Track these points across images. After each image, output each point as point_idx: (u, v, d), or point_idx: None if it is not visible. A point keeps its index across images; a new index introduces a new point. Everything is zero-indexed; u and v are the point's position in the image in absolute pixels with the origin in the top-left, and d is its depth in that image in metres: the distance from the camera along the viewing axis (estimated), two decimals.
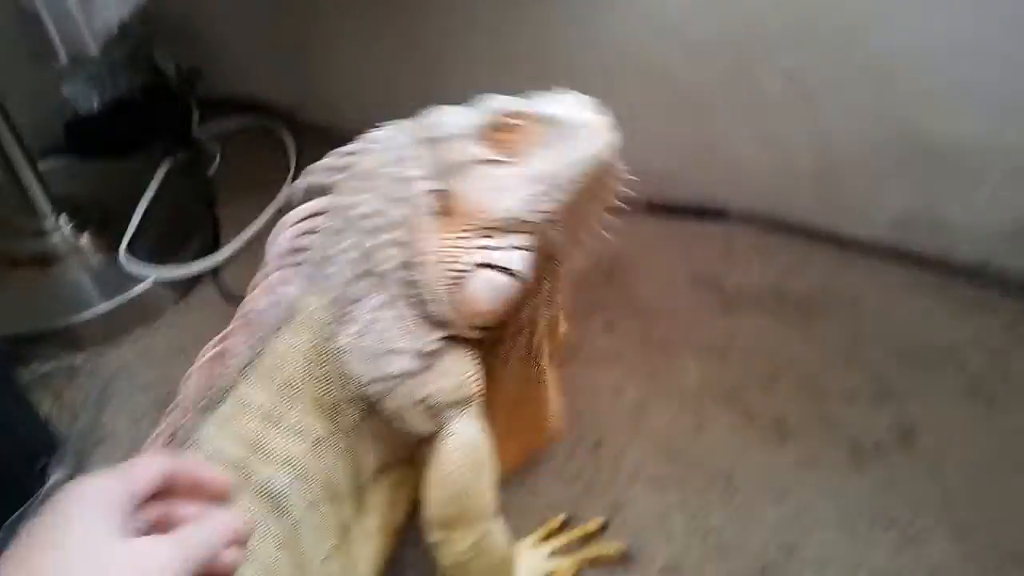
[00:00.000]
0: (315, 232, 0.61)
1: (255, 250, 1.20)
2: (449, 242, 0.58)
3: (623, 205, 0.63)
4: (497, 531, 0.67)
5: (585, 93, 1.14)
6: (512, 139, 0.58)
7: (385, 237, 0.58)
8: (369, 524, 0.64)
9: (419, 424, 0.60)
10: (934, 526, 0.80)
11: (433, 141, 0.59)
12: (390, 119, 1.28)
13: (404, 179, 0.59)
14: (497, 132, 0.58)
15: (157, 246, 1.13)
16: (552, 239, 0.60)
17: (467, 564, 0.64)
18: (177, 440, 0.59)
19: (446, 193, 0.58)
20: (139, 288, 1.07)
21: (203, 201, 1.25)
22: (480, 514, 0.64)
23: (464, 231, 0.58)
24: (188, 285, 1.14)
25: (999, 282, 1.05)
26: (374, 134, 0.62)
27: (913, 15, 0.91)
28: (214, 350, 0.63)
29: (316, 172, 0.63)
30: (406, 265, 0.58)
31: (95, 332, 1.05)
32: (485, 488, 0.64)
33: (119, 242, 1.12)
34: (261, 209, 1.26)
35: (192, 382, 0.62)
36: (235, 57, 1.45)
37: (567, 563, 0.77)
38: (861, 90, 0.98)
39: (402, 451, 0.64)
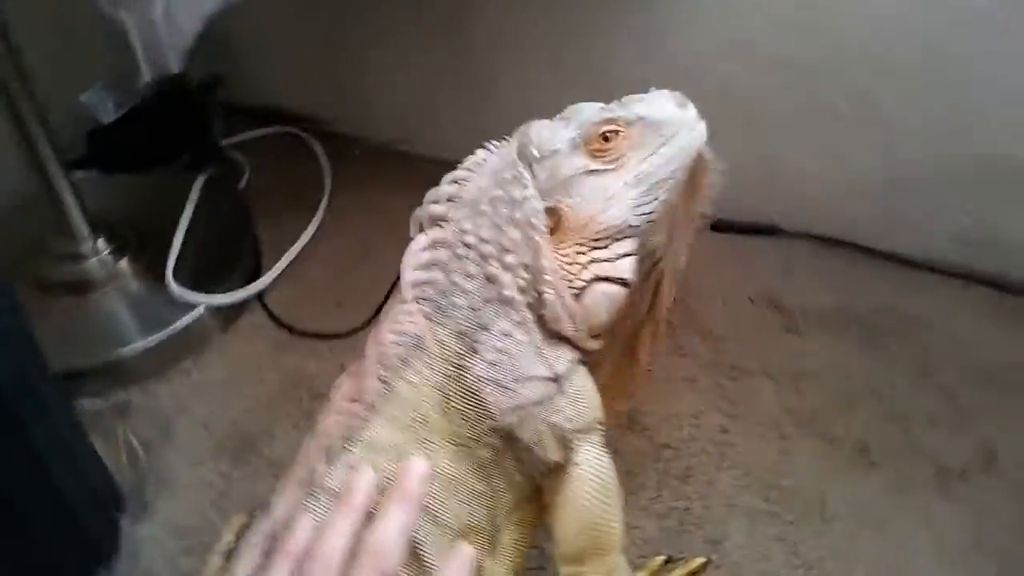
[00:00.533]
0: (436, 263, 0.59)
1: (299, 271, 1.17)
2: (565, 258, 0.57)
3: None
4: (623, 564, 0.65)
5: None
6: (609, 146, 0.57)
7: (506, 260, 0.57)
8: (500, 569, 0.61)
9: (552, 452, 0.58)
10: None
11: (536, 159, 0.58)
12: (429, 132, 1.26)
13: (513, 201, 0.57)
14: (594, 141, 0.57)
15: (201, 271, 1.08)
16: (654, 240, 0.60)
17: None
18: (306, 492, 0.56)
19: (555, 209, 0.57)
20: (188, 317, 1.02)
21: (242, 219, 1.20)
22: (611, 545, 0.62)
23: (577, 245, 0.57)
24: (234, 311, 1.09)
25: None
26: (476, 157, 0.60)
27: (993, 46, 0.91)
28: (340, 393, 0.60)
29: (428, 201, 0.60)
30: (529, 286, 0.57)
31: (143, 366, 1.00)
32: (615, 517, 0.62)
33: (158, 266, 1.07)
34: (300, 225, 1.23)
35: (322, 427, 0.59)
36: (261, 64, 1.41)
37: None
38: (936, 114, 0.98)
39: (531, 486, 0.62)
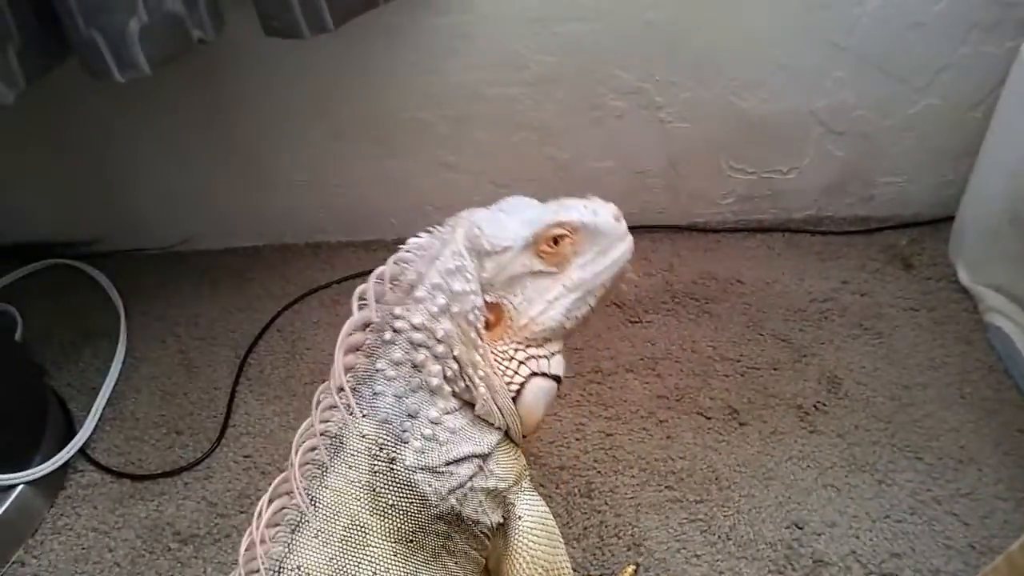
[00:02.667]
0: (360, 347, 0.56)
1: (120, 410, 1.05)
2: (502, 354, 0.58)
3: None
4: None
5: (434, 142, 1.13)
6: (556, 249, 0.58)
7: (436, 350, 0.56)
8: None
9: (492, 517, 0.58)
10: (894, 456, 0.90)
11: (486, 253, 0.57)
12: (209, 225, 1.17)
13: (453, 292, 0.56)
14: (544, 243, 0.58)
15: (1, 449, 0.93)
16: (572, 336, 0.62)
17: None
18: None
19: (498, 305, 0.58)
20: (7, 501, 0.88)
21: (29, 375, 1.05)
22: None
23: (515, 343, 0.58)
24: (57, 479, 0.95)
25: (835, 230, 1.20)
26: (419, 241, 0.59)
27: (725, 14, 1.01)
28: (261, 516, 0.55)
29: (367, 282, 0.57)
30: (456, 376, 0.57)
31: None
32: (564, 556, 0.63)
33: None
34: (104, 361, 1.10)
35: (241, 564, 0.54)
36: (1, 200, 1.24)
37: None
38: (698, 87, 1.07)
39: (477, 550, 0.60)
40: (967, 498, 0.85)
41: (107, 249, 1.27)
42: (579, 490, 0.90)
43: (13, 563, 0.88)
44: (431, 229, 0.59)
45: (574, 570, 0.80)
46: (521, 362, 0.58)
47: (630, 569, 0.81)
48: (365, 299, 0.57)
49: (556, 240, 0.58)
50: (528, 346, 0.58)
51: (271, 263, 1.24)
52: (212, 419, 1.02)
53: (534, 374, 0.58)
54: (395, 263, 0.58)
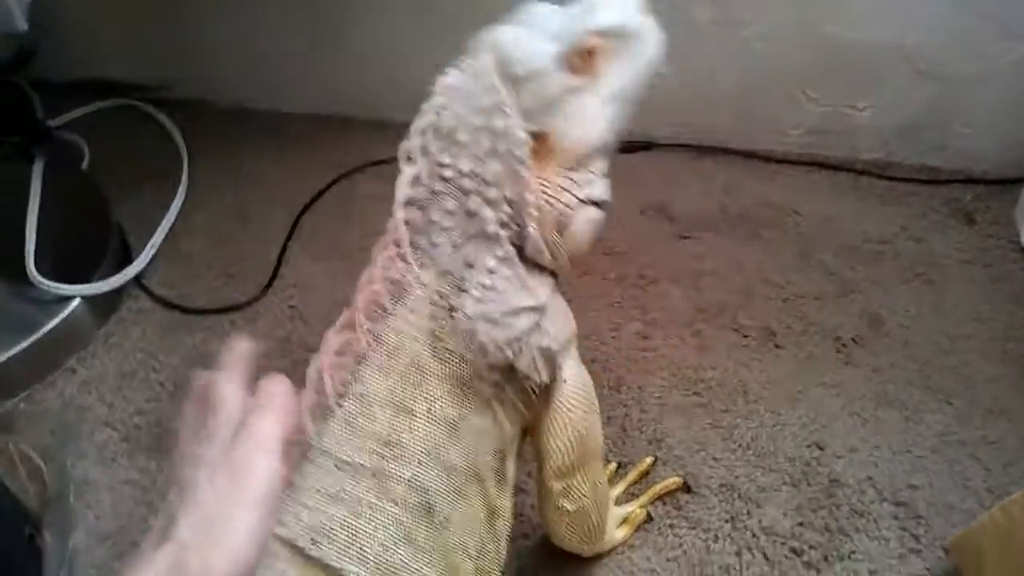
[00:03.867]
0: (413, 202, 0.56)
1: (175, 248, 1.08)
2: (547, 186, 0.56)
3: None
4: (603, 473, 0.68)
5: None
6: (589, 62, 0.55)
7: (488, 194, 0.54)
8: (506, 499, 0.61)
9: (545, 374, 0.59)
10: (926, 398, 0.90)
11: (519, 79, 0.54)
12: (282, 86, 1.17)
13: (495, 131, 0.54)
14: (577, 57, 0.55)
15: (64, 263, 0.97)
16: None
17: (587, 508, 0.66)
18: (301, 454, 0.53)
19: (541, 133, 0.55)
20: (63, 312, 0.92)
21: (95, 202, 1.08)
22: (596, 453, 0.65)
23: (560, 168, 0.56)
24: (112, 300, 1.00)
25: (899, 176, 1.18)
26: (451, 81, 0.56)
27: None
28: (327, 348, 0.57)
29: (408, 137, 0.56)
30: (511, 220, 0.55)
31: (21, 372, 0.90)
32: (598, 425, 0.64)
33: (16, 265, 0.95)
34: (164, 200, 1.13)
35: (310, 386, 0.56)
36: (83, 34, 1.26)
37: (636, 505, 0.79)
38: (783, 17, 1.04)
39: (530, 410, 0.61)
40: (992, 446, 0.85)
41: (178, 96, 1.29)
42: (608, 383, 0.92)
43: (65, 369, 0.93)
44: (458, 63, 0.56)
45: None
46: (568, 190, 0.56)
47: (648, 460, 0.83)
48: (411, 155, 0.56)
49: (589, 52, 0.55)
50: (575, 170, 0.56)
51: (335, 133, 1.25)
52: (262, 269, 1.04)
53: (582, 202, 0.56)
54: (433, 112, 0.55)
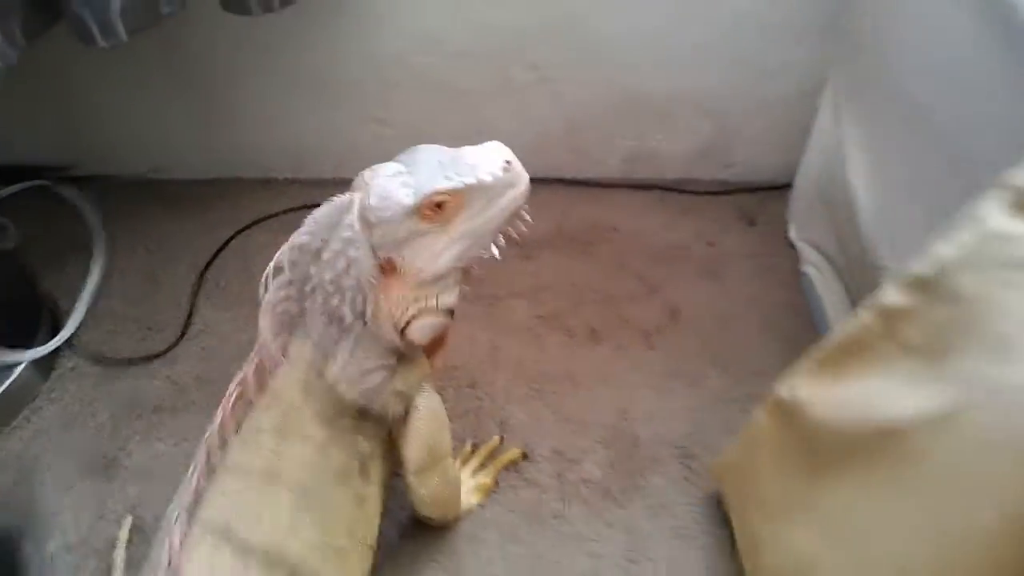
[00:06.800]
0: (288, 299, 0.76)
1: (100, 311, 1.28)
2: (397, 299, 0.74)
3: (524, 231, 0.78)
4: (453, 470, 0.92)
5: (367, 99, 1.33)
6: (440, 212, 0.70)
7: (346, 298, 0.72)
8: (373, 489, 0.85)
9: (397, 409, 0.82)
10: (707, 368, 1.18)
11: (374, 224, 0.70)
12: (174, 157, 1.41)
13: (349, 256, 0.70)
14: (426, 209, 0.69)
15: (6, 334, 1.16)
16: (471, 271, 0.77)
17: (439, 495, 0.90)
18: (211, 465, 0.76)
19: (390, 260, 0.72)
20: (13, 375, 1.12)
21: (25, 278, 1.26)
22: (444, 455, 0.89)
23: (408, 288, 0.74)
24: (49, 362, 1.19)
25: (697, 190, 1.46)
26: (323, 211, 0.72)
27: (622, 8, 1.24)
28: (235, 388, 0.78)
29: (281, 256, 0.75)
30: (361, 318, 0.74)
31: None
32: (447, 437, 0.88)
33: None
34: (82, 267, 1.32)
35: (219, 418, 0.77)
36: None
37: (486, 475, 1.04)
38: (589, 71, 1.31)
39: (384, 431, 0.85)
40: (755, 398, 1.13)
41: (85, 173, 1.48)
42: (466, 383, 1.16)
43: (21, 418, 1.12)
44: (333, 199, 0.71)
45: (453, 438, 1.08)
46: (410, 304, 0.74)
47: (496, 439, 1.08)
48: (282, 266, 0.74)
49: (439, 204, 0.69)
50: (419, 288, 0.73)
51: (228, 193, 1.46)
52: (176, 320, 1.25)
53: (421, 312, 0.75)
54: (304, 235, 0.71)
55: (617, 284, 1.31)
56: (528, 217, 0.76)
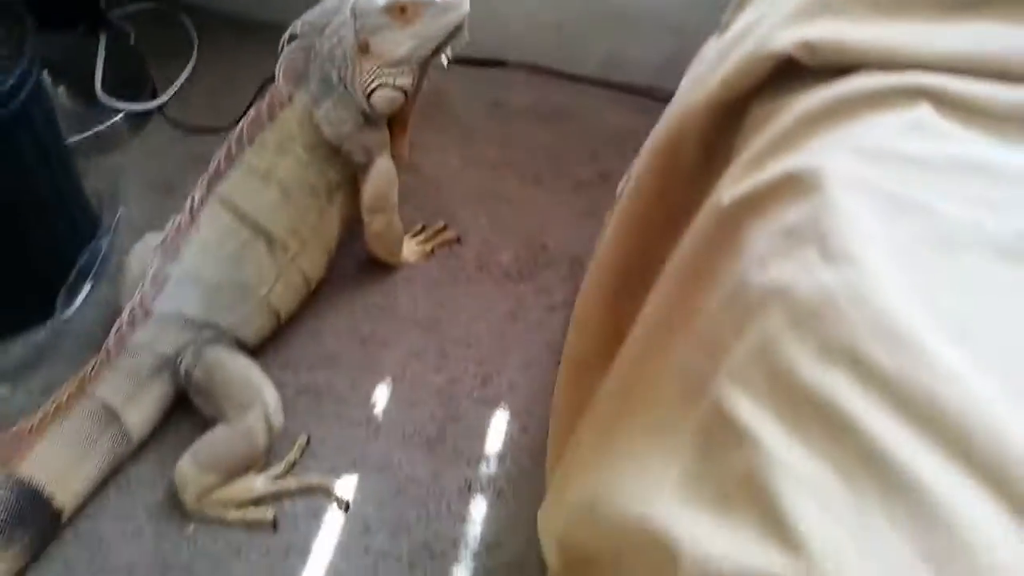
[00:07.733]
0: (297, 58, 1.16)
1: (184, 97, 1.71)
2: (367, 71, 1.12)
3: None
4: (397, 222, 1.32)
5: None
6: (405, 14, 1.06)
7: (336, 62, 1.13)
8: (335, 212, 1.25)
9: (361, 157, 1.21)
10: None
11: (359, 14, 1.08)
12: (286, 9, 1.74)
13: (341, 36, 1.10)
14: (395, 10, 1.06)
15: (116, 93, 1.60)
16: (421, 70, 1.14)
17: (384, 235, 1.30)
18: (231, 155, 1.17)
19: (366, 42, 1.09)
20: (116, 117, 1.56)
21: (137, 61, 1.71)
22: (390, 207, 1.28)
23: (376, 65, 1.12)
24: (141, 122, 1.63)
25: (663, 98, 1.78)
26: (328, 3, 1.13)
27: None
28: (253, 113, 1.20)
29: (297, 27, 1.15)
30: (344, 81, 1.14)
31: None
32: (393, 195, 1.27)
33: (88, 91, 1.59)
34: (179, 71, 1.76)
35: (240, 127, 1.19)
36: None
37: (427, 244, 1.44)
38: None
39: (350, 173, 1.23)
40: None
41: (204, 7, 1.91)
42: (432, 187, 1.55)
43: (117, 154, 1.57)
44: None
45: (413, 221, 1.47)
46: (375, 76, 1.10)
47: (441, 223, 1.46)
48: (295, 34, 1.14)
49: (403, 8, 1.06)
50: (383, 67, 1.10)
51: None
52: (240, 107, 1.67)
53: (382, 85, 1.13)
54: (315, 14, 1.11)
55: (570, 151, 1.65)
56: (467, 37, 1.14)
